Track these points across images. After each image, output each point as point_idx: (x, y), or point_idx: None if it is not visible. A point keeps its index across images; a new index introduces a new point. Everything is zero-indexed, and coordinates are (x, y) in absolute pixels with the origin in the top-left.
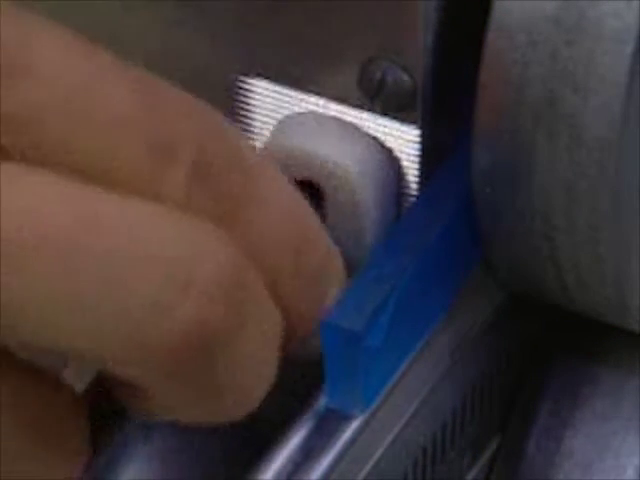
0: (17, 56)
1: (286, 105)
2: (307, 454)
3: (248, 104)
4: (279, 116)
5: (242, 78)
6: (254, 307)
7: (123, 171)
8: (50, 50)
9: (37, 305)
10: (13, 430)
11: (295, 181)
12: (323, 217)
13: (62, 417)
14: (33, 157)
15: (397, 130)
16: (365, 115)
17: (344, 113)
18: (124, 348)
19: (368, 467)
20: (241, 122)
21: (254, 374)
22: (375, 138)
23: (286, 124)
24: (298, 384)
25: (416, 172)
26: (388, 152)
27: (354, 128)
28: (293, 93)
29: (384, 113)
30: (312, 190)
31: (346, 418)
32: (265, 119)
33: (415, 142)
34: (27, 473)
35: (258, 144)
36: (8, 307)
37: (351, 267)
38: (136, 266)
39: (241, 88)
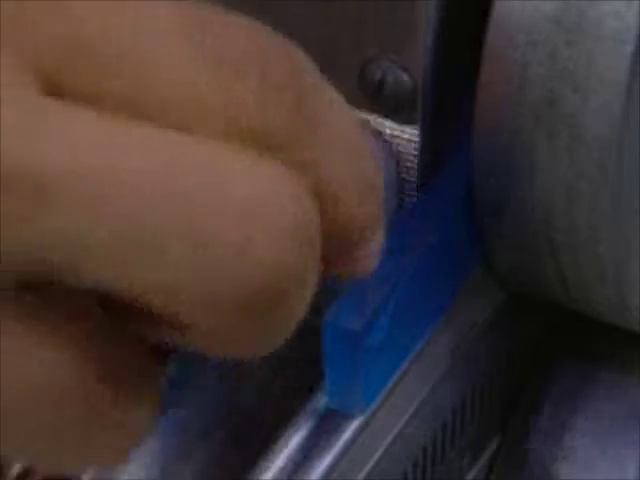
0: None
1: None
2: (307, 454)
3: None
4: None
5: None
6: (315, 253)
7: (188, 91)
8: None
9: (109, 247)
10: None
11: None
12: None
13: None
14: (91, 89)
15: (397, 130)
16: (365, 115)
17: None
18: (199, 293)
19: (368, 467)
20: None
21: (297, 316)
22: (381, 135)
23: None
24: (298, 384)
25: (416, 172)
26: (390, 151)
27: (362, 122)
28: None
29: (384, 113)
30: None
31: (346, 418)
32: None
33: (415, 142)
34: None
35: None
36: (82, 247)
37: None
38: (214, 208)
39: None
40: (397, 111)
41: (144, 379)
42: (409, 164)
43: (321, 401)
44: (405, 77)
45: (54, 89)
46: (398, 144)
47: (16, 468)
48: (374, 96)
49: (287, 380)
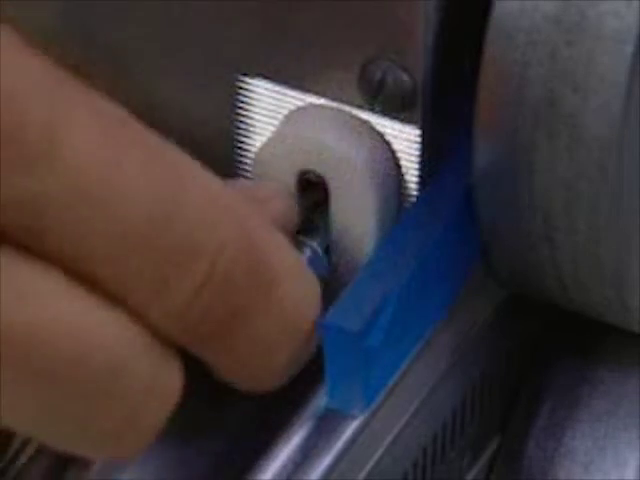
0: (40, 141)
1: (286, 105)
2: (307, 454)
3: (248, 104)
4: (279, 116)
5: (242, 78)
6: None
7: (124, 281)
8: (77, 139)
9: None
10: None
11: (299, 171)
12: (326, 210)
13: None
14: (33, 247)
15: (397, 130)
16: (365, 115)
17: None
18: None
19: (368, 467)
20: (241, 122)
21: None
22: (381, 135)
23: (296, 114)
24: (298, 384)
25: (416, 172)
26: (390, 151)
27: (362, 122)
28: (293, 93)
29: (384, 113)
30: (316, 181)
31: (346, 418)
32: (265, 119)
33: (415, 142)
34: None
35: (262, 138)
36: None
37: (352, 262)
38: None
39: (241, 88)
40: (397, 111)
41: None
42: (409, 164)
43: (321, 401)
44: (405, 77)
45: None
46: (398, 144)
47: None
48: (374, 96)
49: (287, 380)
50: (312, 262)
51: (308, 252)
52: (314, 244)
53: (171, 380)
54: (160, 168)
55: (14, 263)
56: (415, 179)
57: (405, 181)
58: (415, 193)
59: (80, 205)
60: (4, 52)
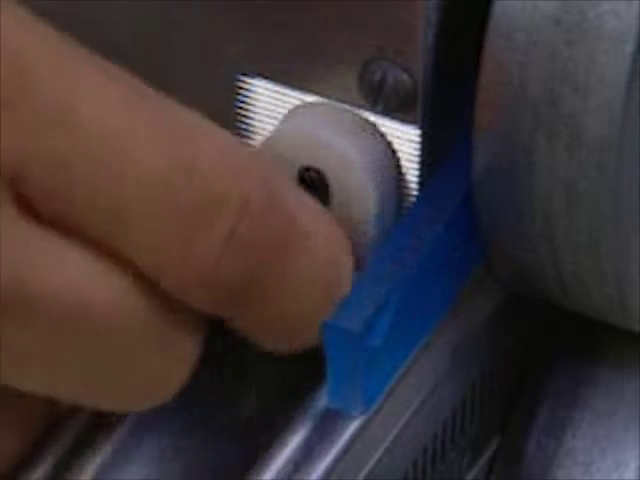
0: (55, 105)
1: (286, 105)
2: (307, 454)
3: (248, 104)
4: (279, 116)
5: (242, 78)
6: None
7: (145, 244)
8: (92, 105)
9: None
10: None
11: (300, 168)
12: (325, 207)
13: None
14: (55, 208)
15: (397, 130)
16: (365, 115)
17: None
18: None
19: (368, 467)
20: (241, 122)
21: None
22: (381, 134)
23: (297, 111)
24: (298, 384)
25: (416, 172)
26: (390, 150)
27: (363, 121)
28: (293, 93)
29: (384, 113)
30: (317, 177)
31: (346, 418)
32: (265, 119)
33: (415, 142)
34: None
35: (261, 138)
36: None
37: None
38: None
39: (241, 88)
40: (397, 111)
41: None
42: (409, 164)
43: (321, 401)
44: (405, 77)
45: (24, 203)
46: (398, 144)
47: None
48: (374, 96)
49: (287, 380)
50: None
51: None
52: None
53: (186, 345)
54: (176, 126)
55: (26, 223)
56: (415, 179)
57: (405, 181)
58: (415, 193)
59: (97, 169)
60: (10, 17)
